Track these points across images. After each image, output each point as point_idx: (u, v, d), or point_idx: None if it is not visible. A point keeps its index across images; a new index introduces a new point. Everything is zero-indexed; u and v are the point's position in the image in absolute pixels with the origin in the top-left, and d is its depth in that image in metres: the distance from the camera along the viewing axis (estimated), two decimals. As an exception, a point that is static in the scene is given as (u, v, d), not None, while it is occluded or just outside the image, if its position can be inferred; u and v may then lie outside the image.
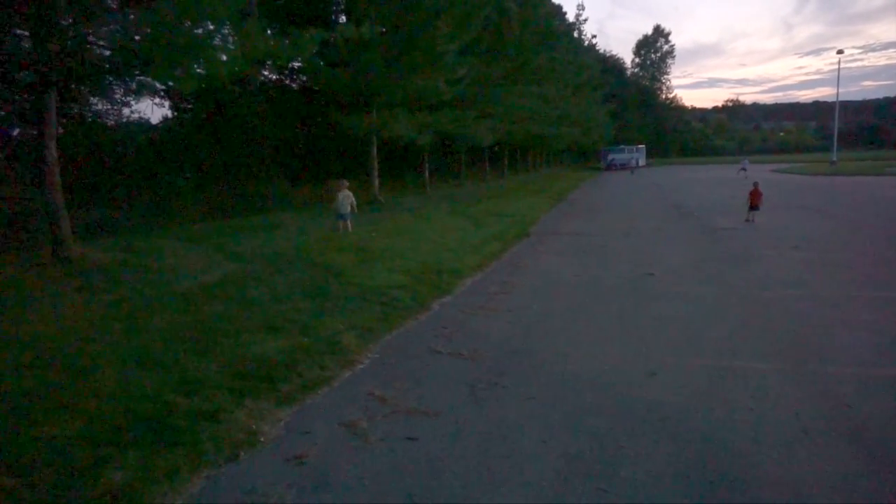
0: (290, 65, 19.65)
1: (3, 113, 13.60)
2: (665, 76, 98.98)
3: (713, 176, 43.11)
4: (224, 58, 9.06)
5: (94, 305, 6.75)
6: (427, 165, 25.31)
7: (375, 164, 19.66)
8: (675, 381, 4.88)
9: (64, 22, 8.26)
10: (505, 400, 4.62)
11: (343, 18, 18.82)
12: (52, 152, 8.63)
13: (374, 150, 19.39)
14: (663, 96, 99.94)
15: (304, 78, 20.89)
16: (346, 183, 12.82)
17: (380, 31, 15.22)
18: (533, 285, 8.93)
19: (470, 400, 4.63)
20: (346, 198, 12.56)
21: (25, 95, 11.56)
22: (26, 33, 8.56)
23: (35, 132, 9.12)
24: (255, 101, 19.63)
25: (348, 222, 12.66)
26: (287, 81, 23.12)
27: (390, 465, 3.66)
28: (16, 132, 14.35)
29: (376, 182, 19.81)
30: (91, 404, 4.24)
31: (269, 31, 11.74)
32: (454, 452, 3.81)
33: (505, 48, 25.58)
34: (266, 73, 20.82)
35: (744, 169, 40.90)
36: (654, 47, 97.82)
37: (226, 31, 9.38)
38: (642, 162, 68.82)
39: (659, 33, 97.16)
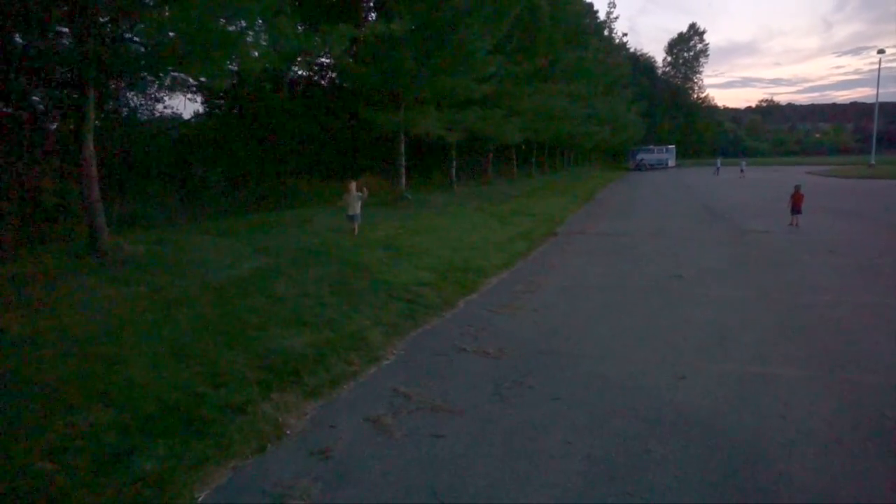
0: (320, 61, 19.80)
1: (42, 108, 13.97)
2: (697, 75, 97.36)
3: (747, 177, 42.30)
4: (256, 54, 9.17)
5: (127, 297, 6.90)
6: (455, 163, 25.29)
7: (403, 161, 19.71)
8: (704, 386, 4.80)
9: (102, 19, 8.46)
10: (530, 399, 4.59)
11: (373, 15, 18.90)
12: (90, 147, 8.83)
13: (402, 147, 19.43)
14: (695, 96, 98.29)
15: (334, 74, 21.02)
16: (355, 183, 12.28)
17: (410, 28, 15.20)
18: (560, 285, 8.86)
19: (495, 399, 4.62)
20: (356, 199, 11.88)
21: (65, 92, 11.85)
22: (65, 30, 8.78)
23: (72, 127, 9.33)
24: (286, 97, 19.83)
25: (356, 225, 11.99)
26: (316, 78, 23.31)
27: (415, 462, 3.67)
28: (54, 127, 14.73)
29: (403, 179, 19.86)
30: (123, 394, 4.33)
31: (300, 28, 11.83)
32: (478, 451, 3.80)
33: (535, 46, 25.43)
34: (296, 69, 21.00)
35: (742, 171, 45.44)
36: (687, 46, 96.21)
37: (258, 28, 9.50)
38: (672, 163, 67.80)
39: (694, 31, 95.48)
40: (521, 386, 4.86)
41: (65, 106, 12.88)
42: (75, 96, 8.76)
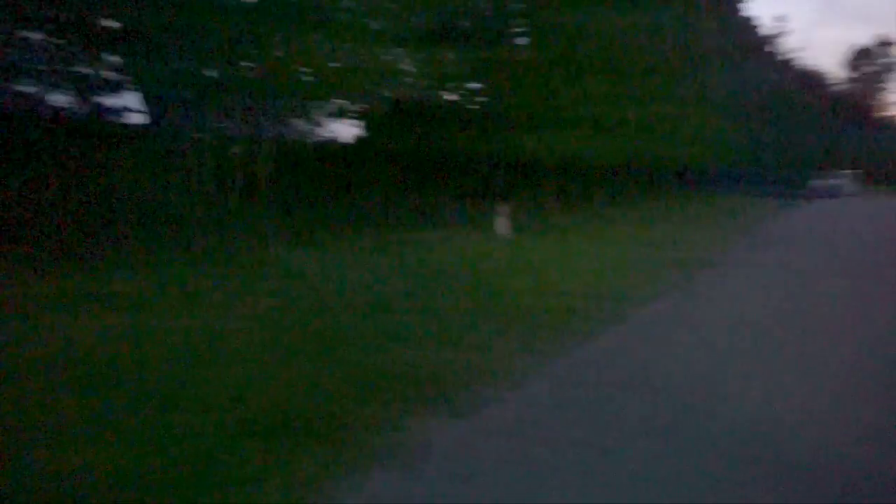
0: (469, 86, 20.27)
1: (227, 135, 15.61)
2: (884, 91, 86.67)
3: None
4: (409, 81, 9.61)
5: (280, 304, 7.39)
6: (601, 188, 24.62)
7: (547, 185, 19.54)
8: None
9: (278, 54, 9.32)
10: (678, 440, 4.19)
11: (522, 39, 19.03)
12: (264, 167, 9.74)
13: (546, 171, 19.29)
14: (882, 113, 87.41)
15: (485, 98, 21.35)
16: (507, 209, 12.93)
17: (557, 54, 15.19)
18: (717, 321, 8.17)
19: (647, 438, 4.27)
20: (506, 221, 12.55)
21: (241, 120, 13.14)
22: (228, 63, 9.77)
23: (245, 150, 10.28)
24: (437, 121, 20.50)
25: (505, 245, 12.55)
26: (464, 102, 23.83)
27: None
28: (235, 151, 16.40)
29: (547, 202, 19.66)
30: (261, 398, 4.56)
31: (451, 55, 12.20)
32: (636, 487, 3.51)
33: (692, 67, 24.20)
34: (445, 94, 21.64)
35: None
36: (872, 59, 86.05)
37: (413, 57, 9.94)
38: (849, 190, 60.23)
39: (884, 43, 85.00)
40: (674, 425, 4.46)
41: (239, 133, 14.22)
42: (251, 125, 9.70)
